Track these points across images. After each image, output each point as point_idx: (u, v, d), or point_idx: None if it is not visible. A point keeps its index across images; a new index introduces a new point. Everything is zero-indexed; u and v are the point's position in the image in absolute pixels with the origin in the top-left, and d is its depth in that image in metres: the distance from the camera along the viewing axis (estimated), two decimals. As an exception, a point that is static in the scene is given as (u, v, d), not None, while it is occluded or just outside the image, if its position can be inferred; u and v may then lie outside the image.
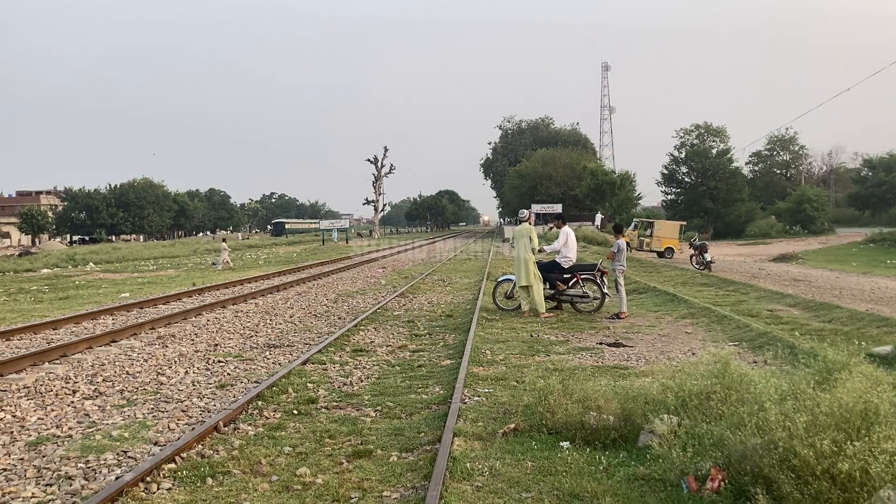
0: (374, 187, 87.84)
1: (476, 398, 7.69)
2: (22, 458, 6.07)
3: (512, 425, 6.38)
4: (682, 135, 75.74)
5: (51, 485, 5.42)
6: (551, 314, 14.06)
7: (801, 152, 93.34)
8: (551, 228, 14.73)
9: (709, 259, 26.80)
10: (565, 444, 5.90)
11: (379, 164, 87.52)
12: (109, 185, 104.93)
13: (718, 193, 70.00)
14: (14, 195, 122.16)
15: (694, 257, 28.40)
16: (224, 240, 39.00)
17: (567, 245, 14.57)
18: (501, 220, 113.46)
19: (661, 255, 37.98)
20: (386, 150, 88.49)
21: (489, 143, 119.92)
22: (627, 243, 40.01)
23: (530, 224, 14.65)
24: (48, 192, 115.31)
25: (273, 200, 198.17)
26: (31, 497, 5.19)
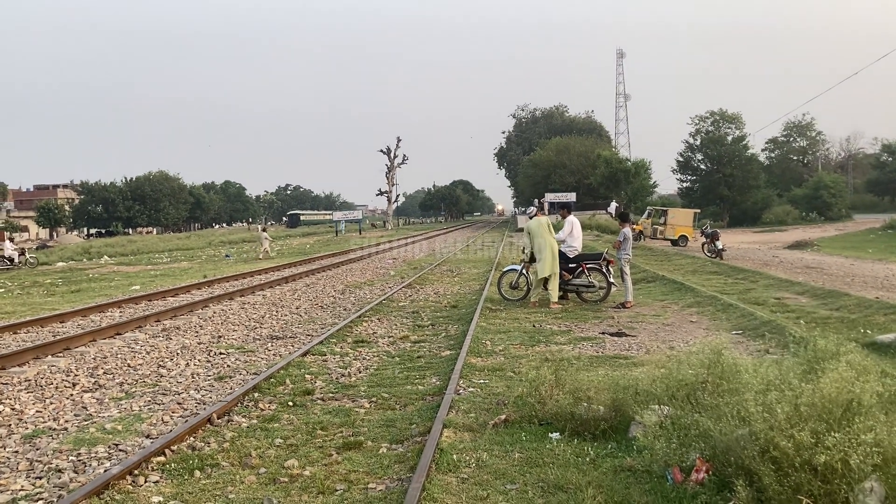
0: (388, 178, 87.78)
1: (471, 389, 7.66)
2: (16, 451, 6.12)
3: (503, 416, 6.34)
4: (698, 122, 75.24)
5: (41, 477, 5.46)
6: (558, 304, 13.98)
7: (818, 138, 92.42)
8: (560, 219, 14.70)
9: (720, 247, 26.59)
10: (555, 435, 5.87)
11: (392, 155, 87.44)
12: (125, 178, 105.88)
13: (734, 180, 69.48)
14: (32, 189, 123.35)
15: (706, 245, 28.19)
16: (265, 230, 41.93)
17: (572, 234, 14.49)
18: (515, 209, 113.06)
19: (674, 243, 37.72)
20: (399, 140, 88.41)
21: (503, 132, 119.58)
22: (641, 232, 39.99)
23: (542, 214, 14.55)
24: (65, 186, 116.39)
25: (288, 192, 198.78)
26: (20, 489, 5.23)
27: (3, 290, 22.18)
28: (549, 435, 5.88)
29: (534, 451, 5.59)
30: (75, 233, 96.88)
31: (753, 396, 4.38)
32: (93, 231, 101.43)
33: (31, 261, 33.99)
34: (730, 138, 72.25)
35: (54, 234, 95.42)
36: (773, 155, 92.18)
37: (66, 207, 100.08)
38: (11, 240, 36.96)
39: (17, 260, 33.18)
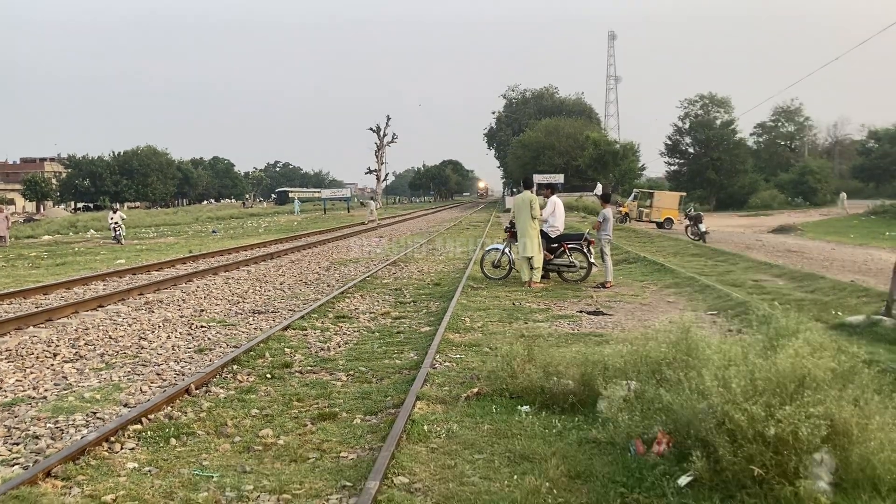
0: (377, 157, 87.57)
1: (447, 363, 7.79)
2: (-6, 418, 6.20)
3: (475, 389, 6.47)
4: (687, 105, 75.37)
5: (18, 444, 5.54)
6: (539, 283, 14.11)
7: (805, 123, 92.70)
8: (544, 200, 14.76)
9: (703, 230, 26.81)
10: (525, 408, 6.00)
11: (381, 133, 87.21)
12: (113, 152, 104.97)
13: (722, 164, 69.84)
14: (18, 161, 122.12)
15: (689, 228, 28.42)
16: (372, 198, 53.07)
17: (554, 214, 14.61)
18: (504, 189, 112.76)
19: (660, 225, 37.97)
20: (388, 118, 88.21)
21: (493, 113, 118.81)
22: (627, 214, 40.21)
23: (532, 192, 14.50)
24: (52, 159, 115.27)
25: (277, 169, 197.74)
26: (-3, 455, 5.32)
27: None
28: (520, 408, 6.01)
29: (503, 422, 5.72)
30: (62, 206, 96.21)
31: (713, 371, 4.52)
32: (80, 205, 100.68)
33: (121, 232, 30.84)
34: (718, 122, 72.52)
35: (41, 208, 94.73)
36: (760, 139, 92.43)
37: (53, 181, 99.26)
38: (114, 210, 32.11)
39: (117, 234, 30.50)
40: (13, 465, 5.09)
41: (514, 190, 79.75)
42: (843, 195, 57.16)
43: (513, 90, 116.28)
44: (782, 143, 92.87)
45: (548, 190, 15.63)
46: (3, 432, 5.80)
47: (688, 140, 74.55)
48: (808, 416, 3.91)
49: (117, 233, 30.40)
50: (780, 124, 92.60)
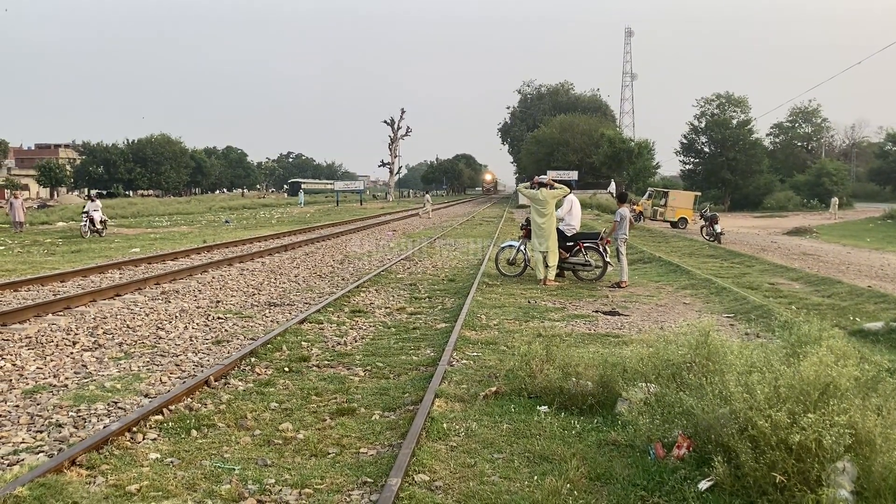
0: (390, 149, 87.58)
1: (464, 361, 7.81)
2: (17, 406, 6.26)
3: (494, 388, 6.49)
4: (703, 104, 74.98)
5: (41, 431, 5.61)
6: (554, 281, 14.11)
7: (823, 125, 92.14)
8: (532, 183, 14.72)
9: (719, 230, 26.70)
10: (543, 408, 6.02)
11: (395, 126, 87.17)
12: (127, 140, 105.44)
13: (737, 164, 69.50)
14: (33, 147, 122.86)
15: (704, 228, 28.32)
16: (427, 192, 55.76)
17: (571, 213, 14.57)
18: (517, 185, 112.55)
19: (674, 225, 37.82)
20: (403, 111, 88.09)
21: (507, 108, 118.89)
22: (641, 213, 40.06)
23: (547, 190, 14.38)
24: (67, 146, 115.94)
25: (290, 160, 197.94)
26: (22, 442, 5.38)
27: (3, 247, 22.30)
28: (538, 408, 6.03)
29: (522, 422, 5.74)
30: (76, 193, 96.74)
31: (735, 377, 4.52)
32: (93, 192, 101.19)
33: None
34: (735, 122, 72.09)
35: (55, 194, 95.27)
36: (777, 140, 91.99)
37: (68, 167, 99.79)
38: (91, 199, 28.70)
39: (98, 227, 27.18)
40: (38, 453, 5.15)
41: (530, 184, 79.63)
42: (835, 200, 56.92)
43: (528, 85, 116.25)
44: (799, 144, 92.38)
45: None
46: (26, 420, 5.87)
47: (703, 139, 74.25)
48: (832, 424, 3.90)
49: (86, 224, 26.50)
50: (797, 125, 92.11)
